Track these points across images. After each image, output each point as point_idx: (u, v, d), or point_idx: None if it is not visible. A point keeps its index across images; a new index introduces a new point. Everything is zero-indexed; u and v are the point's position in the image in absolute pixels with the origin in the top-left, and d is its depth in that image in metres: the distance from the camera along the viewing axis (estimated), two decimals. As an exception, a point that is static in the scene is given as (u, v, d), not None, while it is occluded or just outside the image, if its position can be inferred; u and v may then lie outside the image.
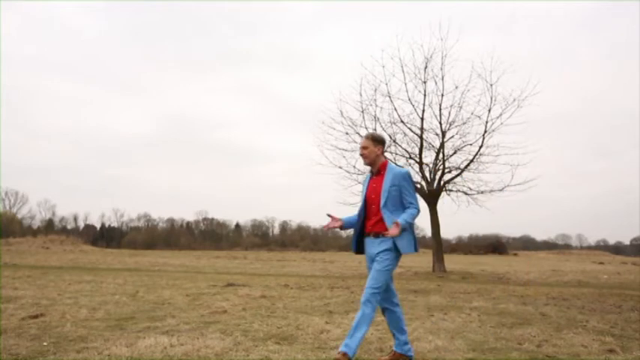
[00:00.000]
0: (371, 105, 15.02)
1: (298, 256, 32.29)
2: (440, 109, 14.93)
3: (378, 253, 3.26)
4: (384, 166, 3.43)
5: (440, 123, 15.01)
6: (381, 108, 15.03)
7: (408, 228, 3.28)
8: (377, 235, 3.31)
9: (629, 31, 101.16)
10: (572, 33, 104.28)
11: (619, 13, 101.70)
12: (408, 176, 3.39)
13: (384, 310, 3.37)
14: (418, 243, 3.51)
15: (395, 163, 14.94)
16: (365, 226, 3.38)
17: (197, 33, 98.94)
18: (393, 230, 3.14)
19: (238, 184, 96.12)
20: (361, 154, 3.45)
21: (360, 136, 15.08)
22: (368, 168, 3.53)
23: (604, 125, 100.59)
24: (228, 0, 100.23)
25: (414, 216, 3.32)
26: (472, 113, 14.77)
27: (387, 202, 3.29)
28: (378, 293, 3.18)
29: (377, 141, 3.43)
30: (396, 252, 3.25)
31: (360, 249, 3.44)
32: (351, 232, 3.59)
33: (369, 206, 3.38)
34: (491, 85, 14.43)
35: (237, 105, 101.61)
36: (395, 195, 3.31)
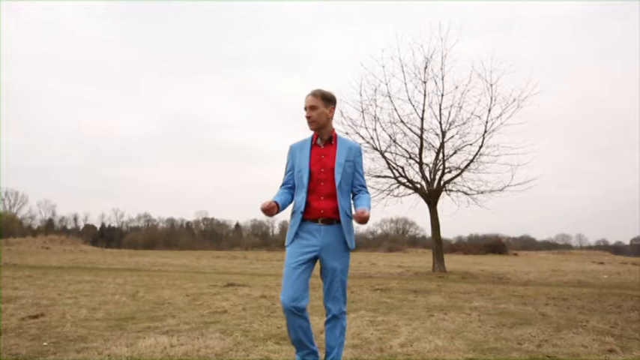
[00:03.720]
0: (371, 105, 15.04)
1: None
2: (440, 109, 14.95)
3: (333, 250, 2.63)
4: (335, 135, 2.77)
5: (440, 123, 15.03)
6: (381, 108, 15.05)
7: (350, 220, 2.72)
8: (328, 222, 2.64)
9: (628, 31, 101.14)
10: (571, 33, 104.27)
11: (618, 14, 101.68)
12: (361, 151, 2.84)
13: (302, 311, 2.59)
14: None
15: (393, 163, 15.23)
16: (308, 207, 2.65)
17: (197, 35, 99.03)
18: (364, 213, 2.51)
19: (238, 184, 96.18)
20: (307, 117, 2.68)
21: (361, 136, 15.09)
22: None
23: (604, 125, 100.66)
24: (228, 1, 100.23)
25: (370, 200, 2.77)
26: (472, 113, 14.79)
27: (341, 181, 2.66)
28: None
29: (327, 100, 2.71)
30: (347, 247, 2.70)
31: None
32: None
33: (315, 183, 2.66)
34: (491, 85, 14.45)
35: (237, 106, 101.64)
36: (349, 172, 2.70)
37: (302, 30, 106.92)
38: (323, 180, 2.66)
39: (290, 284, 2.57)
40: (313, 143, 2.75)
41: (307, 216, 2.65)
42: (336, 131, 2.81)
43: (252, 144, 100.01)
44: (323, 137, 2.74)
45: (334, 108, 2.75)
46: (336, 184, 2.64)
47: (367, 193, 2.77)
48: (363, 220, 2.53)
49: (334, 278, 2.65)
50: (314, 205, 2.64)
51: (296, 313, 2.56)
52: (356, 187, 2.76)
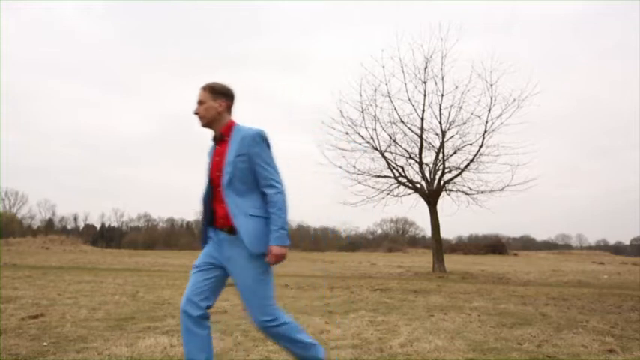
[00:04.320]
0: (371, 105, 15.08)
1: (298, 256, 32.30)
2: (440, 109, 14.99)
3: (238, 261, 2.33)
4: (229, 128, 2.42)
5: (440, 123, 15.06)
6: (381, 108, 15.09)
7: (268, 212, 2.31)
8: (232, 231, 2.33)
9: (628, 31, 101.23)
10: (571, 33, 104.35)
11: (618, 14, 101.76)
12: (261, 138, 2.35)
13: (193, 323, 2.30)
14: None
15: (393, 163, 15.40)
16: (214, 215, 2.39)
17: (197, 35, 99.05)
18: (275, 255, 2.27)
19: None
20: (195, 113, 2.44)
21: (360, 136, 15.10)
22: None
23: (604, 125, 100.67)
24: (228, 1, 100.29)
25: (284, 204, 2.31)
26: (472, 113, 14.84)
27: (232, 180, 2.31)
28: (273, 305, 2.34)
29: (217, 92, 2.44)
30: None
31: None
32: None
33: (215, 188, 2.38)
34: (491, 85, 14.48)
35: (236, 106, 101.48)
36: (243, 168, 2.31)
37: (302, 30, 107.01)
38: (220, 185, 2.37)
39: (189, 285, 2.37)
40: (214, 143, 2.47)
41: (216, 224, 2.40)
42: (235, 123, 2.46)
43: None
44: (216, 135, 2.45)
45: (226, 101, 2.45)
46: (224, 185, 2.32)
47: (278, 192, 2.31)
48: (273, 262, 2.30)
49: (244, 291, 2.34)
50: (218, 213, 2.37)
51: (190, 318, 2.30)
52: (261, 185, 2.34)
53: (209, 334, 2.35)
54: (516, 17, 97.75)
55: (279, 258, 2.29)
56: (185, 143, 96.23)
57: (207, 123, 2.44)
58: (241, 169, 2.31)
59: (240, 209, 2.30)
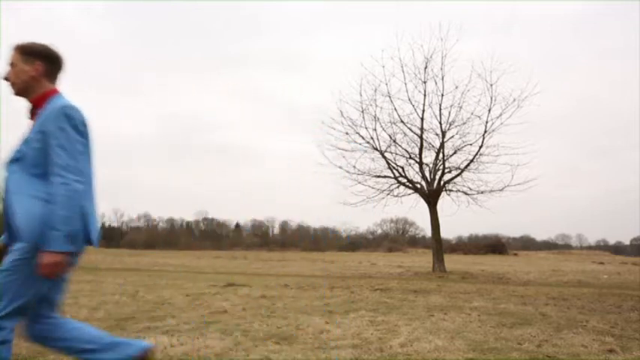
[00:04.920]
0: (371, 105, 15.05)
1: (298, 256, 32.31)
2: (440, 109, 14.96)
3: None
4: (43, 98, 1.95)
5: (440, 123, 15.04)
6: (381, 108, 15.06)
7: (60, 210, 1.76)
8: None
9: (628, 31, 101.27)
10: (571, 33, 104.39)
11: (618, 14, 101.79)
12: (64, 115, 1.86)
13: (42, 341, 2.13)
14: (97, 231, 1.93)
15: (393, 163, 15.44)
16: None
17: (197, 35, 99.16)
18: (44, 265, 1.77)
19: (238, 184, 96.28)
20: (5, 78, 1.98)
21: (360, 136, 15.10)
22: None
23: (604, 125, 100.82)
24: (228, 1, 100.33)
25: (69, 199, 1.77)
26: (472, 113, 14.81)
27: (21, 160, 1.86)
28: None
29: (31, 54, 1.95)
30: (30, 246, 1.80)
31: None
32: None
33: None
34: (491, 85, 14.46)
35: (237, 106, 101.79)
36: (37, 149, 1.85)
37: (302, 30, 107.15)
38: None
39: None
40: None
41: None
42: (54, 93, 1.99)
43: (252, 144, 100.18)
44: (30, 107, 1.99)
45: (44, 64, 1.97)
46: (7, 161, 1.90)
47: (64, 183, 1.79)
48: (43, 273, 1.79)
49: None
50: None
51: None
52: (51, 172, 1.83)
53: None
54: (516, 17, 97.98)
55: (51, 268, 1.76)
56: (185, 143, 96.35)
57: (18, 91, 1.97)
58: (35, 149, 1.85)
59: (21, 188, 1.83)
